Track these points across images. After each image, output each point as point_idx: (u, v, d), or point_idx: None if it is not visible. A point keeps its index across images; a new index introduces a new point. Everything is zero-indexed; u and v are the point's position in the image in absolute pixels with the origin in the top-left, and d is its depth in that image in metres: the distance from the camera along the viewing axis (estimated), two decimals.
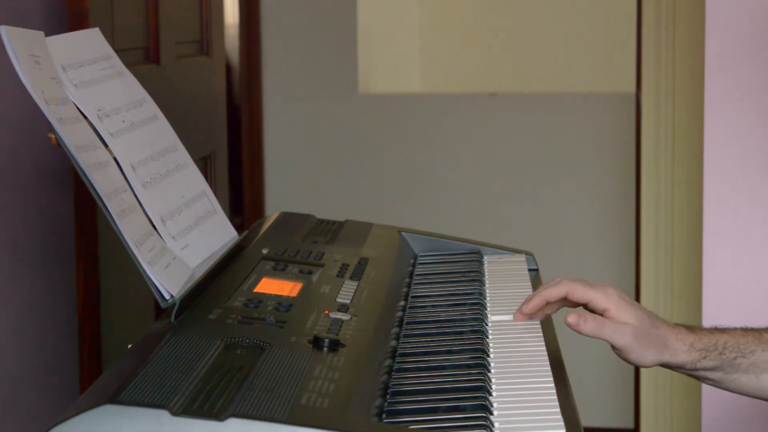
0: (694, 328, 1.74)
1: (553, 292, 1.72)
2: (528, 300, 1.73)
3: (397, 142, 4.53)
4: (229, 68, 4.21)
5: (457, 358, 1.58)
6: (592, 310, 1.70)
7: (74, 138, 1.60)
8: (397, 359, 1.58)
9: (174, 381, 1.30)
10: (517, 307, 1.74)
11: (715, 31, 2.79)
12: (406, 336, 1.68)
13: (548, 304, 1.73)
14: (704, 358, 1.71)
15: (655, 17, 3.44)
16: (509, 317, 1.75)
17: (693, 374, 1.75)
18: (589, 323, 1.65)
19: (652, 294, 3.53)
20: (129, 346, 1.49)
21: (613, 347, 1.69)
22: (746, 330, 1.76)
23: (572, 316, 1.65)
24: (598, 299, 1.69)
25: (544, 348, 1.64)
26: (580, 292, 1.70)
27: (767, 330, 1.76)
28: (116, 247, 1.70)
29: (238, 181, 4.49)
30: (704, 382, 1.78)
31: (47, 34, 1.70)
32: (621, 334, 1.66)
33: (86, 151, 1.62)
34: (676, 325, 1.73)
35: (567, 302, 1.74)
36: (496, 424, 1.38)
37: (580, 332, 1.66)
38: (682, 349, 1.70)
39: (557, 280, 1.73)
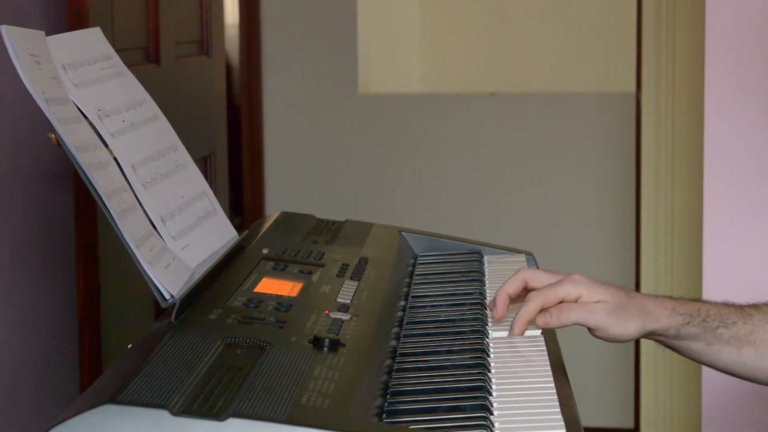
0: (673, 297, 1.74)
1: (510, 285, 1.71)
2: (494, 305, 1.72)
3: (397, 142, 4.53)
4: (229, 68, 4.21)
5: (457, 358, 1.58)
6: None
7: (74, 138, 1.60)
8: (397, 359, 1.58)
9: (174, 381, 1.30)
10: (516, 308, 1.74)
11: (715, 31, 2.79)
12: (406, 336, 1.68)
13: (511, 298, 1.71)
14: (688, 323, 1.70)
15: (655, 17, 3.44)
16: (509, 317, 1.74)
17: (675, 344, 1.73)
18: (554, 315, 1.64)
19: (652, 293, 3.52)
20: (129, 346, 1.48)
21: (590, 330, 1.68)
22: (727, 303, 1.76)
23: (540, 319, 1.65)
24: (569, 291, 1.67)
25: (545, 348, 1.63)
26: (552, 295, 1.66)
27: (748, 305, 1.77)
28: (116, 247, 1.70)
29: (238, 181, 4.49)
30: (685, 355, 1.76)
31: (47, 34, 1.70)
32: (592, 313, 1.65)
33: (86, 151, 1.62)
34: (654, 295, 1.73)
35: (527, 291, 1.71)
36: (497, 424, 1.38)
37: (552, 327, 1.65)
38: (664, 314, 1.69)
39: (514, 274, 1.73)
